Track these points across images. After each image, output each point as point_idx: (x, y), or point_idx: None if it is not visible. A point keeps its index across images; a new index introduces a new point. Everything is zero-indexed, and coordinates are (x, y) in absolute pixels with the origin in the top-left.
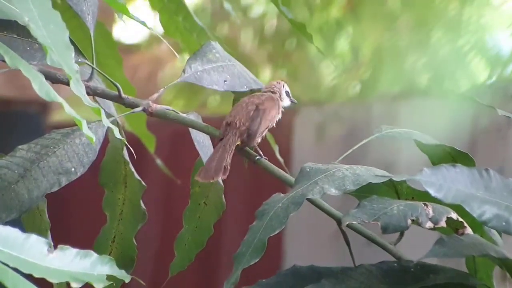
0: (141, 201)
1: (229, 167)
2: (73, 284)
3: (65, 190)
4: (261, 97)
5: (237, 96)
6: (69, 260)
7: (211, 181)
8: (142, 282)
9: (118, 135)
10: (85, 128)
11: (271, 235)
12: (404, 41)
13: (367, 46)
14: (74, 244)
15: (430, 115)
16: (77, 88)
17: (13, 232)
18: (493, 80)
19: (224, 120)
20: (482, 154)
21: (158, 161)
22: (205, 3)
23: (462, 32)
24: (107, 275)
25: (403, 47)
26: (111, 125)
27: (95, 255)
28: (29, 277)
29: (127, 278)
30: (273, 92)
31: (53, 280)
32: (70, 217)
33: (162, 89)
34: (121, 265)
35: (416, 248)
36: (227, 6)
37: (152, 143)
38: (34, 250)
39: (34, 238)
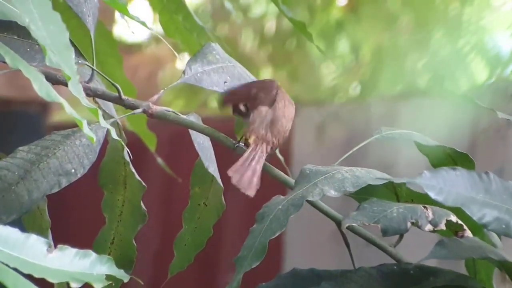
0: (141, 202)
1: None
2: (72, 284)
3: (67, 190)
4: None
5: None
6: (69, 260)
7: (244, 192)
8: (140, 281)
9: (115, 137)
10: (85, 128)
11: (272, 238)
12: (404, 41)
13: (367, 46)
14: (75, 244)
15: (430, 116)
16: (75, 89)
17: (13, 232)
18: (493, 80)
19: (253, 124)
20: (482, 154)
21: (159, 159)
22: (205, 3)
23: (462, 33)
24: (106, 275)
25: (403, 47)
26: (109, 126)
27: (94, 255)
28: (29, 277)
29: (126, 278)
30: None
31: (53, 280)
32: (71, 216)
33: (162, 90)
34: (119, 266)
35: (415, 250)
36: (228, 5)
37: (153, 141)
38: (34, 250)
39: (34, 238)
